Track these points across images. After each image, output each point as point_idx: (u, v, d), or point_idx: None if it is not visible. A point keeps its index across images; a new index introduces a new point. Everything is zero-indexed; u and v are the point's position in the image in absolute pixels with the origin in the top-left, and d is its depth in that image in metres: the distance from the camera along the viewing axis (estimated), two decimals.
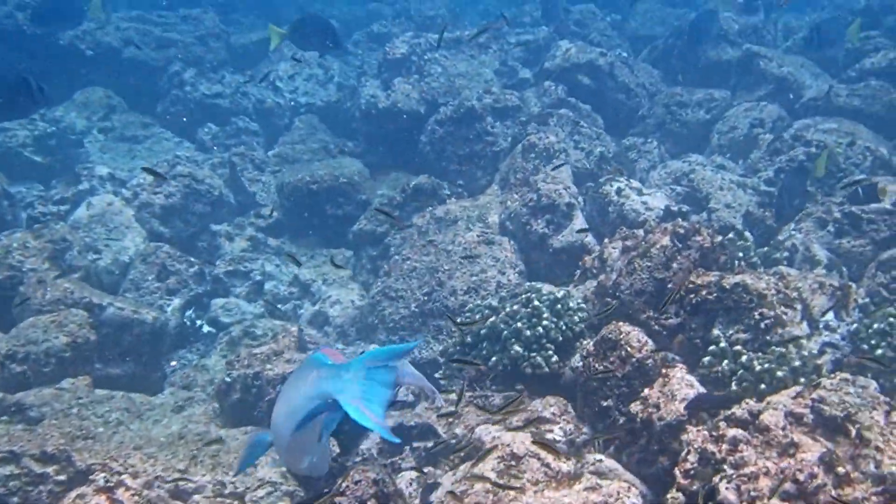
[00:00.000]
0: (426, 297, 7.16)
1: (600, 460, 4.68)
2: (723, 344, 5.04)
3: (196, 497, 4.66)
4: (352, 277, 8.73)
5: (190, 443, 5.61)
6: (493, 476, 4.17)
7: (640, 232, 6.13)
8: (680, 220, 5.95)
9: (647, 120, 10.55)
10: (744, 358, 4.89)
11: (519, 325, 5.60)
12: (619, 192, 7.35)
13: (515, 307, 5.74)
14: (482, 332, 5.76)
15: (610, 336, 5.09)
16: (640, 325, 5.61)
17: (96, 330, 6.97)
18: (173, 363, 7.48)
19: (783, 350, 4.93)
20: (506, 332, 5.63)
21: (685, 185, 8.12)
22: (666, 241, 5.78)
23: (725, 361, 4.93)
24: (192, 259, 8.49)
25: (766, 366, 4.83)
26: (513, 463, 4.29)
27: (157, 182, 9.42)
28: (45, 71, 11.18)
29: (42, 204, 9.57)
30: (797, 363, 4.85)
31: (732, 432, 3.98)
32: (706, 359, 5.06)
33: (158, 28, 13.26)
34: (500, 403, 5.53)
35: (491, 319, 5.74)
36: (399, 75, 11.06)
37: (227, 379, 6.04)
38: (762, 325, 5.21)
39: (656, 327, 5.61)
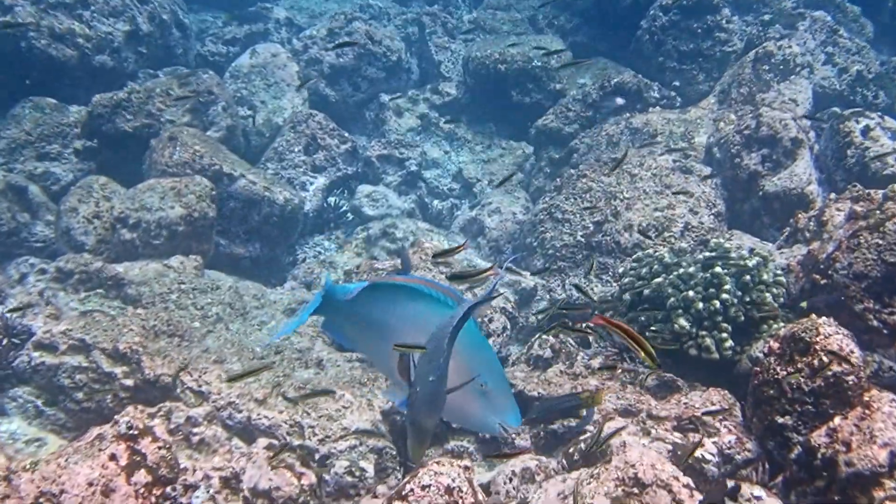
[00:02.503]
0: (596, 227, 6.31)
1: (759, 498, 3.81)
2: None
3: (260, 442, 4.16)
4: (520, 183, 7.95)
5: (284, 361, 5.17)
6: None
7: (879, 194, 4.96)
8: None
9: None
10: None
11: (691, 293, 4.71)
12: (865, 131, 6.11)
13: (692, 269, 4.83)
14: (645, 291, 4.88)
15: (803, 335, 4.10)
16: (855, 318, 4.65)
17: (221, 203, 6.65)
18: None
19: None
20: (673, 299, 4.74)
21: None
22: None
23: None
24: (346, 134, 7.94)
25: None
26: (634, 491, 3.49)
27: (329, 37, 8.91)
28: None
29: (213, 42, 9.31)
30: None
31: None
32: None
33: None
34: (652, 385, 4.75)
35: (657, 280, 4.83)
36: None
37: None
38: None
39: (876, 323, 4.63)
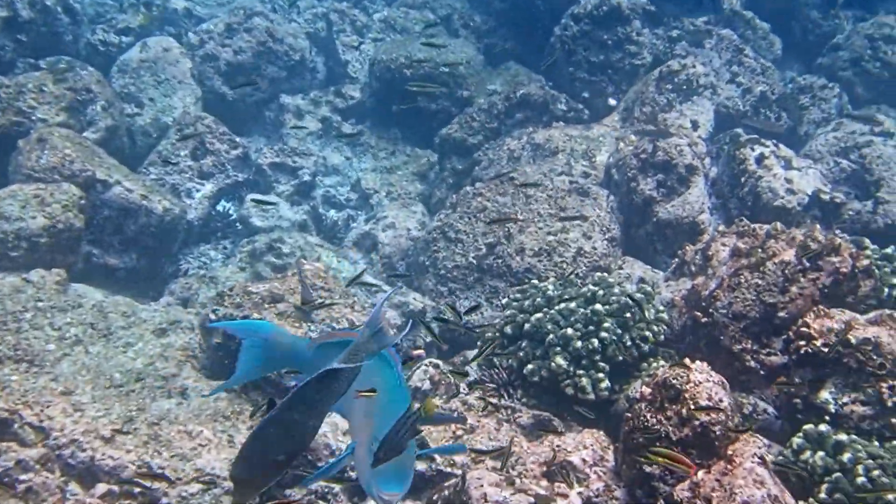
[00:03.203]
0: (488, 249, 6.24)
1: None
2: (822, 428, 3.94)
3: (98, 488, 4.00)
4: (419, 195, 7.83)
5: (145, 390, 5.03)
6: None
7: (763, 231, 4.96)
8: (816, 230, 4.75)
9: (840, 52, 8.92)
10: (846, 455, 3.77)
11: (569, 331, 4.66)
12: (759, 159, 6.15)
13: (573, 305, 4.75)
14: (526, 326, 4.82)
15: (673, 382, 4.08)
16: (733, 359, 4.65)
17: (94, 212, 6.48)
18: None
19: None
20: (552, 336, 4.68)
21: (854, 160, 6.73)
22: (789, 255, 4.67)
23: (820, 454, 3.83)
24: (238, 139, 7.72)
25: (880, 477, 3.70)
26: None
27: (227, 32, 8.66)
28: None
29: (105, 31, 8.98)
30: None
31: None
32: (796, 441, 4.00)
33: None
34: (528, 424, 4.69)
35: (537, 316, 4.77)
36: None
37: (212, 316, 5.33)
38: (889, 404, 4.09)
39: (753, 364, 4.68)
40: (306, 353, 3.15)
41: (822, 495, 3.76)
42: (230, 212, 7.52)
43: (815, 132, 7.68)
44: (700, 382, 4.05)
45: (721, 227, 5.61)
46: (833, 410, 4.24)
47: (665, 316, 4.95)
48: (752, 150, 6.22)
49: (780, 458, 4.04)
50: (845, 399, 4.25)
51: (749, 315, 4.67)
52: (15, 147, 6.64)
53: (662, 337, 4.89)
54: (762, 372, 4.63)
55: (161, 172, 7.44)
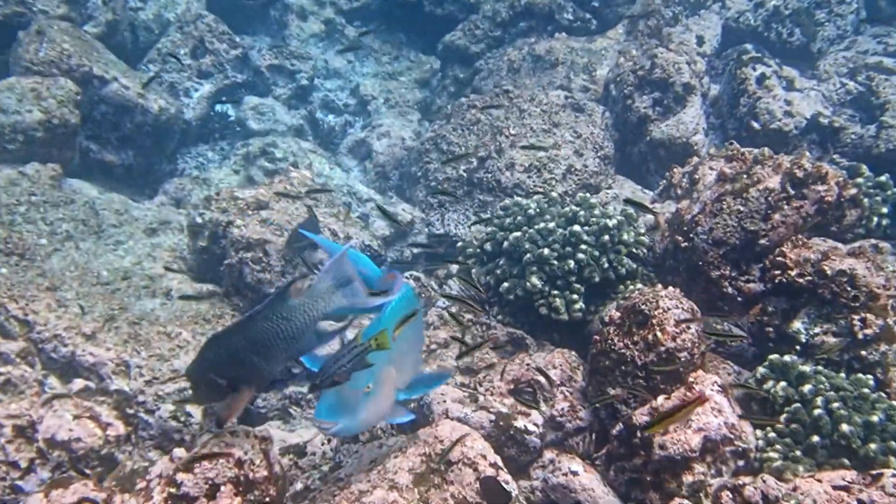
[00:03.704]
0: (479, 163, 6.20)
1: (576, 473, 3.86)
2: (787, 358, 3.98)
3: (76, 383, 4.12)
4: (418, 103, 7.78)
5: (130, 289, 5.11)
6: (403, 482, 3.40)
7: (751, 156, 4.92)
8: (804, 157, 4.68)
9: None
10: (807, 387, 3.81)
11: (546, 251, 4.67)
12: (760, 79, 6.04)
13: (551, 224, 4.76)
14: (504, 244, 4.84)
15: (642, 307, 4.10)
16: (711, 284, 4.67)
17: (92, 107, 6.48)
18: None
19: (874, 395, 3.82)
20: (528, 255, 4.70)
21: (861, 81, 6.57)
22: (774, 182, 4.63)
23: (782, 384, 3.87)
24: (237, 39, 7.65)
25: (839, 409, 3.74)
26: (440, 468, 3.49)
27: None
28: None
29: None
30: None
31: None
32: (760, 370, 4.05)
33: None
34: (502, 341, 4.75)
35: (515, 234, 4.79)
36: None
37: (198, 219, 5.38)
38: (860, 336, 4.11)
39: (731, 290, 4.67)
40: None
41: (780, 425, 3.82)
42: (228, 112, 7.50)
43: (827, 49, 7.52)
44: (668, 308, 4.07)
45: (711, 150, 5.56)
46: (804, 340, 4.27)
47: (645, 239, 4.95)
48: (754, 69, 6.11)
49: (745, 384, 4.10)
50: (817, 330, 4.27)
51: (729, 241, 4.66)
52: (16, 38, 6.64)
53: (639, 264, 4.90)
54: (739, 299, 4.64)
55: (160, 70, 7.41)
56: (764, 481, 3.25)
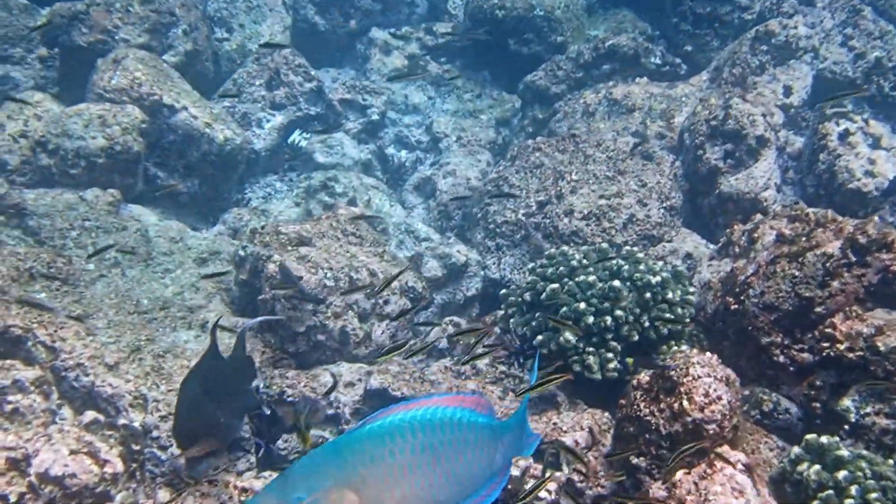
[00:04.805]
0: (537, 207, 6.07)
1: None
2: (823, 440, 3.72)
3: (87, 415, 4.12)
4: (490, 144, 7.70)
5: (167, 319, 5.15)
6: None
7: (815, 216, 4.66)
8: (871, 222, 4.40)
9: None
10: (842, 473, 3.54)
11: (582, 305, 4.50)
12: (843, 136, 5.75)
13: (591, 278, 4.58)
14: (542, 295, 4.69)
15: (671, 373, 3.88)
16: (760, 351, 4.41)
17: (160, 136, 6.63)
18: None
19: None
20: (565, 308, 4.54)
21: None
22: (833, 247, 4.36)
23: (815, 468, 3.61)
24: (313, 72, 7.72)
25: (875, 500, 3.45)
26: None
27: None
28: None
29: None
30: None
31: None
32: (795, 450, 3.78)
33: None
34: (533, 398, 4.59)
35: (552, 286, 4.63)
36: None
37: (241, 252, 5.39)
38: None
39: (782, 359, 4.41)
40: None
41: None
42: (300, 144, 7.55)
43: None
44: (699, 377, 3.84)
45: (777, 208, 5.30)
46: (853, 420, 3.99)
47: (693, 298, 4.72)
48: (837, 124, 5.81)
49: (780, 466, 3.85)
50: (868, 409, 3.99)
51: (782, 307, 4.40)
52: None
53: (688, 320, 4.67)
54: (791, 368, 4.37)
55: (235, 101, 7.52)
56: None
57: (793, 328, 4.40)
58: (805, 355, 4.35)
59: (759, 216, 5.17)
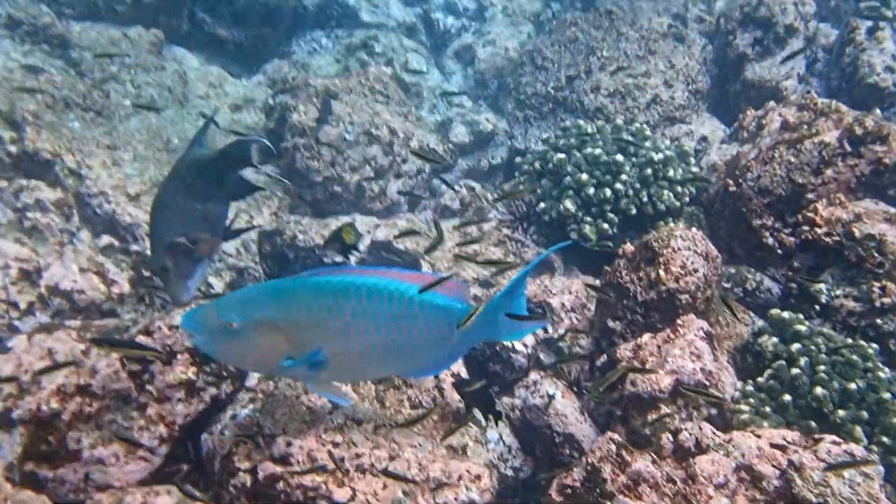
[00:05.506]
0: (566, 82, 6.22)
1: (552, 396, 4.02)
2: (785, 315, 3.96)
3: (103, 238, 4.48)
4: (535, 17, 7.78)
5: None
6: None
7: (819, 104, 4.80)
8: (871, 115, 4.52)
9: None
10: (795, 346, 3.79)
11: (584, 175, 4.71)
12: (871, 30, 5.77)
13: (597, 151, 4.80)
14: (549, 165, 4.92)
15: (654, 244, 4.12)
16: (751, 232, 4.61)
17: None
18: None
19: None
20: (568, 178, 4.77)
21: None
22: (831, 136, 4.51)
23: (773, 340, 3.87)
24: None
25: (821, 372, 3.71)
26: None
27: None
28: None
29: None
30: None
31: (639, 464, 3.15)
32: (759, 323, 4.08)
33: None
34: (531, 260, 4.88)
35: (559, 156, 4.86)
36: None
37: (270, 101, 5.69)
38: (878, 304, 4.05)
39: (771, 241, 4.61)
40: None
41: (761, 379, 3.82)
42: (348, 1, 7.69)
43: None
44: (678, 249, 4.07)
45: (793, 97, 5.41)
46: (824, 301, 4.21)
47: (695, 174, 4.92)
48: (867, 18, 5.85)
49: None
50: (838, 292, 4.19)
51: (775, 191, 4.59)
52: None
53: (687, 199, 4.88)
54: (779, 251, 4.59)
55: None
56: (700, 428, 3.30)
57: (784, 212, 4.59)
58: (793, 238, 4.56)
59: (771, 103, 5.30)
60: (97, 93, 5.53)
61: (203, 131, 3.35)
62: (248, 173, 4.31)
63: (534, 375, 4.16)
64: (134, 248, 4.60)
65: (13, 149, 4.93)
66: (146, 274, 4.20)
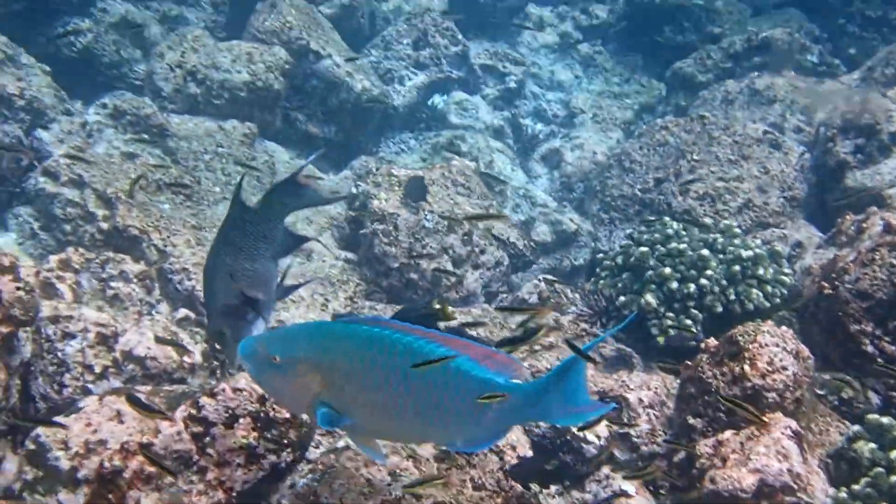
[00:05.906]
0: (654, 184, 6.11)
1: (625, 493, 3.78)
2: (884, 420, 3.67)
3: (180, 312, 4.46)
4: (626, 125, 7.76)
5: None
6: (424, 454, 3.45)
7: None
8: None
9: None
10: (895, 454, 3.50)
11: (667, 270, 4.54)
12: None
13: (682, 246, 4.63)
14: (631, 259, 4.77)
15: (739, 338, 3.91)
16: (849, 339, 4.33)
17: (304, 80, 7.05)
18: None
19: None
20: (650, 272, 4.60)
21: None
22: None
23: (870, 446, 3.59)
24: (460, 37, 7.96)
25: None
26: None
27: None
28: None
29: None
30: None
31: None
32: (854, 428, 3.77)
33: None
34: (608, 356, 4.68)
35: (642, 249, 4.70)
36: None
37: (353, 189, 5.70)
38: None
39: (870, 349, 4.31)
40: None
41: (857, 487, 3.52)
42: (438, 105, 7.81)
43: None
44: (766, 345, 3.85)
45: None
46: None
47: (788, 280, 4.69)
48: None
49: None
50: None
51: (875, 295, 4.32)
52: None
53: (777, 300, 4.65)
54: (880, 360, 4.31)
55: (381, 56, 7.86)
56: None
57: (885, 318, 4.32)
58: (894, 347, 4.28)
59: (873, 208, 5.08)
60: (189, 178, 5.64)
61: (240, 186, 3.31)
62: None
63: (606, 470, 3.94)
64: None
65: (105, 225, 5.12)
66: (218, 347, 4.17)
